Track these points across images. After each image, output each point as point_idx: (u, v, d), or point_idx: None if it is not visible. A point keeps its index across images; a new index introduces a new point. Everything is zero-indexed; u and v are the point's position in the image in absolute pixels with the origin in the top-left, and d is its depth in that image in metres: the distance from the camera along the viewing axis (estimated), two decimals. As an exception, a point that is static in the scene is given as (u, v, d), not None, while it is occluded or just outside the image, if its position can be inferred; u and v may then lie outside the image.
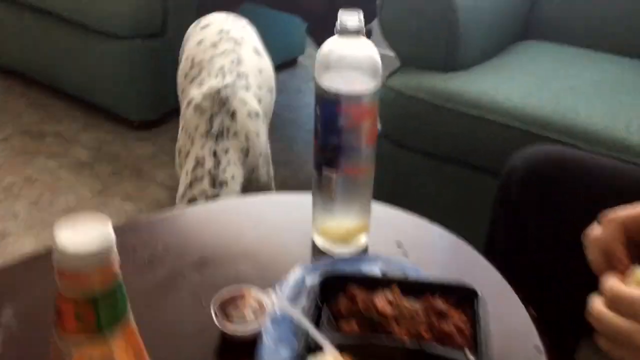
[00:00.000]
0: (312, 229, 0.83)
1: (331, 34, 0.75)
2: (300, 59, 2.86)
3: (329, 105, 0.75)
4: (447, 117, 1.48)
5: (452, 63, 1.60)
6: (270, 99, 1.48)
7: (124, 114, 2.35)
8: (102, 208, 1.91)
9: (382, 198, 0.87)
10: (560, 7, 1.82)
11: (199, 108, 1.29)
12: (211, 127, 1.28)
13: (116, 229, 0.44)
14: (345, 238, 0.81)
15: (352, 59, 0.76)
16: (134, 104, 2.32)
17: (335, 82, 0.74)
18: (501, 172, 1.00)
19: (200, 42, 1.46)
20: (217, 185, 1.26)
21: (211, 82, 1.31)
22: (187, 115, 1.32)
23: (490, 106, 1.43)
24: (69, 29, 2.30)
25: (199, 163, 1.27)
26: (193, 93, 1.33)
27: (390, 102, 1.57)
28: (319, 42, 2.03)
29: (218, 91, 1.29)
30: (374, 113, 0.77)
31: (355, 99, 0.75)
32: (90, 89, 2.38)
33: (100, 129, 2.35)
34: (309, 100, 2.58)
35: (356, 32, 0.74)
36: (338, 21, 0.74)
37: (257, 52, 1.47)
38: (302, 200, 0.87)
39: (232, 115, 1.29)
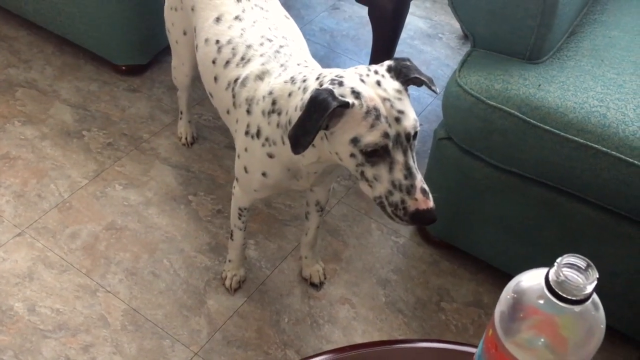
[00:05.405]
0: None
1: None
2: None
3: None
4: (547, 142, 1.20)
5: (538, 50, 1.29)
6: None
7: (107, 56, 1.95)
8: (104, 201, 1.61)
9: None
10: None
11: (264, 73, 1.10)
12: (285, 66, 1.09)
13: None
14: None
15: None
16: (120, 45, 1.91)
17: None
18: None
19: (218, 20, 1.23)
20: None
21: (261, 51, 1.14)
22: (245, 90, 1.12)
23: (601, 132, 1.16)
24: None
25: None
26: (239, 72, 1.15)
27: (461, 105, 1.27)
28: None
29: (277, 51, 1.13)
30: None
31: None
32: (63, 22, 1.94)
33: (81, 74, 1.96)
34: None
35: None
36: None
37: (286, 17, 1.27)
38: None
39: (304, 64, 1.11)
